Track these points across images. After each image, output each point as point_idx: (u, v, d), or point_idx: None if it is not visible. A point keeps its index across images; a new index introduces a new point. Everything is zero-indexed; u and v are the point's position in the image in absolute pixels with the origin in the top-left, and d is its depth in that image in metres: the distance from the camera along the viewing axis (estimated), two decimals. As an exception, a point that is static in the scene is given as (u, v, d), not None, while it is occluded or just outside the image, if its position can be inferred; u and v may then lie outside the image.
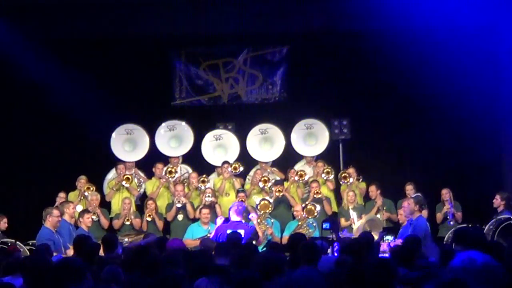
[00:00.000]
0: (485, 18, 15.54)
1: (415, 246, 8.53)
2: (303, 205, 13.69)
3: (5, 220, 13.83)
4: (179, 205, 14.27)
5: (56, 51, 15.89)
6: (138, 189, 15.26)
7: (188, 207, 14.30)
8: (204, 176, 14.77)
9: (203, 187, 14.57)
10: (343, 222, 14.29)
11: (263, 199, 13.88)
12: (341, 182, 14.93)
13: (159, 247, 9.47)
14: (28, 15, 15.30)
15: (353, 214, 14.21)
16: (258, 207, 13.63)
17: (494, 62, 16.00)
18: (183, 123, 15.86)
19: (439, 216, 14.41)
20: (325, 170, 14.89)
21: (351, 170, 14.89)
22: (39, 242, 11.08)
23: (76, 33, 15.80)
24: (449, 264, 4.68)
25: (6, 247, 11.85)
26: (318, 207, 13.67)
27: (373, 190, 14.53)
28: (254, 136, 15.78)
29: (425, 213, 12.98)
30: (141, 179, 15.43)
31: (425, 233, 11.14)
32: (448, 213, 14.30)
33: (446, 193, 14.37)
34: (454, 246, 9.08)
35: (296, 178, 14.80)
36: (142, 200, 15.03)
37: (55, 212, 11.64)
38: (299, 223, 13.38)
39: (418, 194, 14.06)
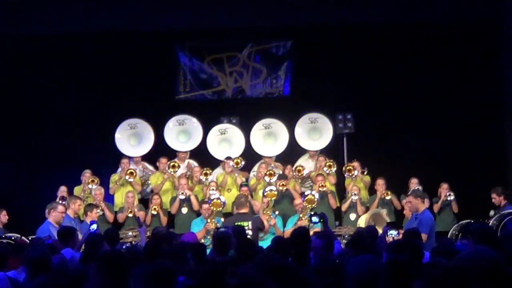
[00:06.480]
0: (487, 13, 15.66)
1: (415, 239, 8.47)
2: (303, 195, 13.68)
3: (4, 212, 13.63)
4: (182, 197, 14.21)
5: (59, 46, 15.96)
6: (145, 184, 15.21)
7: (192, 199, 14.26)
8: (206, 168, 14.79)
9: (205, 180, 14.60)
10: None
11: (270, 189, 13.74)
12: (345, 175, 14.88)
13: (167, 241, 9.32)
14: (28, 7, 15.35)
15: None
16: (265, 194, 13.63)
17: (496, 57, 16.07)
18: (194, 119, 15.82)
19: (436, 206, 14.34)
20: (327, 164, 14.86)
21: (355, 164, 14.87)
22: (37, 236, 10.91)
23: (80, 27, 15.86)
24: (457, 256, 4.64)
25: (13, 242, 11.77)
26: (317, 195, 13.66)
27: (381, 184, 14.53)
28: (258, 131, 15.73)
29: (427, 203, 12.85)
30: (149, 173, 15.36)
31: (432, 225, 11.11)
32: (447, 198, 14.26)
33: (446, 188, 14.37)
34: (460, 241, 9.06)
35: (295, 173, 14.81)
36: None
37: (60, 207, 11.48)
38: (300, 215, 13.37)
39: (417, 188, 14.00)
